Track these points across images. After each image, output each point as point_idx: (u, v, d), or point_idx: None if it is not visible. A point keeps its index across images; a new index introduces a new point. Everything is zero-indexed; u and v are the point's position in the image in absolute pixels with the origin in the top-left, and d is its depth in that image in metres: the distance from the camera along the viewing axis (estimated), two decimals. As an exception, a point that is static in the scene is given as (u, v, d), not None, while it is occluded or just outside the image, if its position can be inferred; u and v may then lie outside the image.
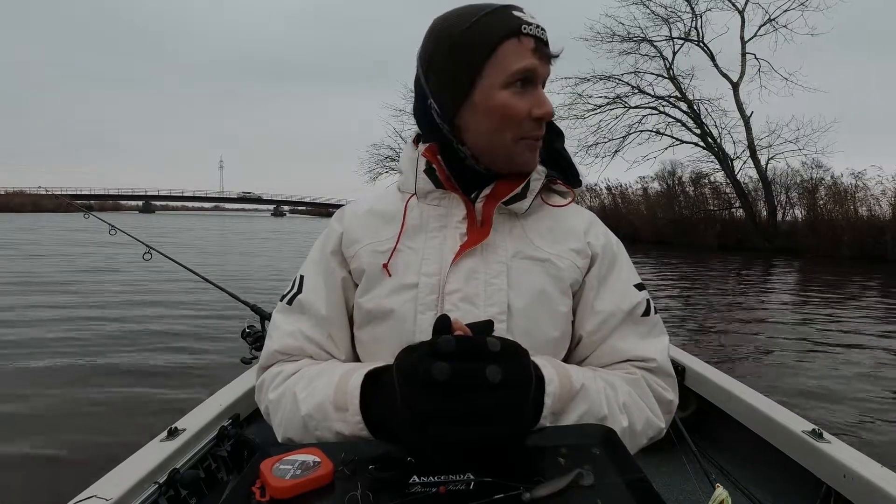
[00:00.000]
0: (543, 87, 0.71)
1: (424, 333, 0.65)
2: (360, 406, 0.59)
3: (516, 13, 0.68)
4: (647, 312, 0.74)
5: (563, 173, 0.80)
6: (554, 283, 0.71)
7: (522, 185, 0.73)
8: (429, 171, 0.74)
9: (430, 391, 0.48)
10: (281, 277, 9.21)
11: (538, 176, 0.75)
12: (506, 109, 0.68)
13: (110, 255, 11.47)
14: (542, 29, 0.69)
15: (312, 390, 0.64)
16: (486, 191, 0.73)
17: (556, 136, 0.81)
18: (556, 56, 0.71)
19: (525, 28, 0.67)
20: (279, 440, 0.68)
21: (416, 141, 0.79)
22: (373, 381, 0.61)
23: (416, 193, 0.76)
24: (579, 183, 0.81)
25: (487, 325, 0.55)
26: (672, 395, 0.72)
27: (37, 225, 27.10)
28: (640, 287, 0.76)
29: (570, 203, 0.79)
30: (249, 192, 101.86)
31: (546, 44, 0.69)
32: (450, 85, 0.70)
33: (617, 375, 0.69)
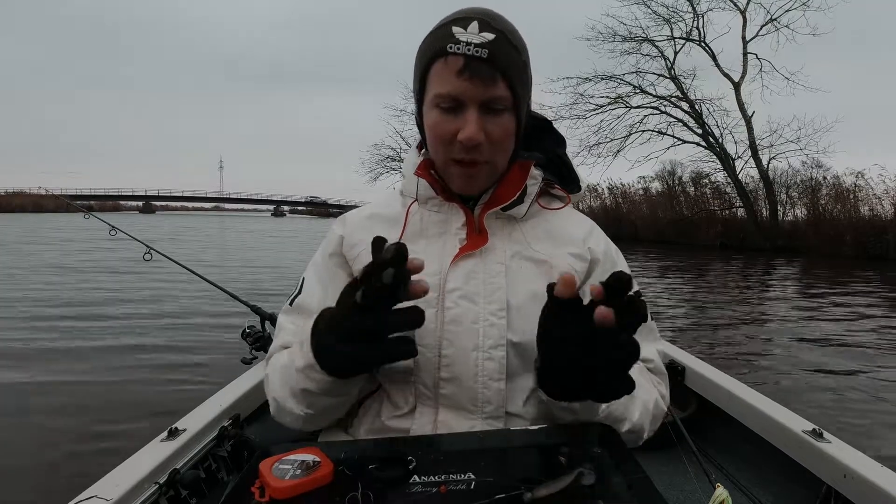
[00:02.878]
0: (485, 106, 0.66)
1: (425, 330, 0.67)
2: (311, 336, 0.60)
3: (454, 28, 0.64)
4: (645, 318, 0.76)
5: (563, 179, 0.82)
6: None
7: (520, 191, 0.74)
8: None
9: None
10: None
11: (534, 181, 0.76)
12: (432, 130, 0.69)
13: (112, 252, 11.48)
14: (479, 46, 0.63)
15: (291, 349, 0.68)
16: (485, 198, 0.75)
17: (557, 142, 0.83)
18: (498, 73, 0.64)
19: (451, 48, 0.63)
20: (271, 412, 0.72)
21: (420, 146, 0.81)
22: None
23: (417, 199, 0.78)
24: (579, 188, 0.83)
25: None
26: (665, 391, 0.77)
27: (50, 225, 27.09)
28: (637, 294, 0.78)
29: (565, 206, 0.81)
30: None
31: (484, 61, 0.63)
32: (414, 94, 0.74)
33: None
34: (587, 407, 0.61)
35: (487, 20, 0.65)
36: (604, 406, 0.63)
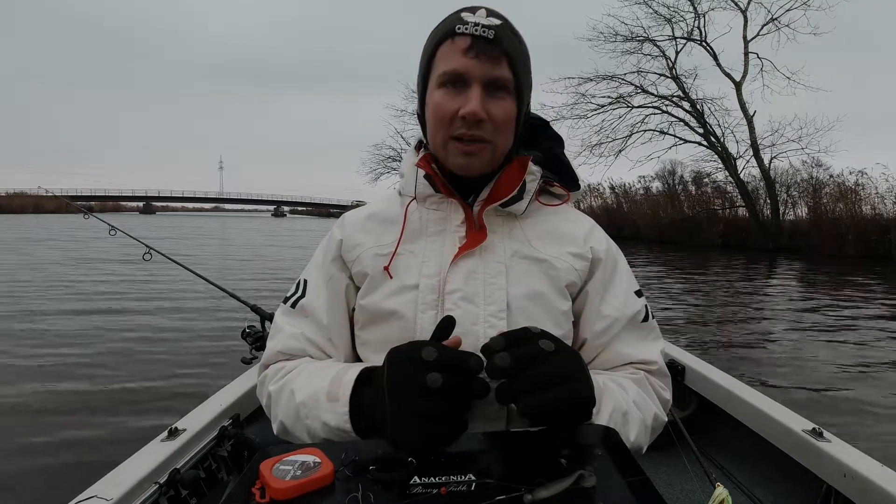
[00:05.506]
0: (489, 86, 0.68)
1: (425, 332, 0.67)
2: (350, 398, 0.62)
3: (463, 14, 0.68)
4: (646, 318, 0.77)
5: (562, 177, 0.82)
6: (551, 284, 0.73)
7: (518, 187, 0.74)
8: (428, 176, 0.76)
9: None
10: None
11: (533, 177, 0.76)
12: (435, 109, 0.70)
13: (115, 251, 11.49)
14: (486, 27, 0.66)
15: (310, 381, 0.68)
16: (484, 194, 0.75)
17: (556, 142, 0.83)
18: (502, 54, 0.67)
19: (459, 28, 0.67)
20: (274, 431, 0.72)
21: (419, 147, 0.81)
22: (367, 378, 0.64)
23: (415, 198, 0.78)
24: (578, 186, 0.83)
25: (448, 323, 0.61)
26: (668, 395, 0.76)
27: (63, 225, 27.14)
28: (639, 294, 0.79)
29: (564, 203, 0.81)
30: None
31: (490, 41, 0.66)
32: (417, 90, 0.76)
33: (623, 377, 0.72)
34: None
35: (494, 10, 0.69)
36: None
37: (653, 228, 22.68)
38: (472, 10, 0.68)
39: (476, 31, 0.66)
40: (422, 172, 0.76)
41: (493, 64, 0.67)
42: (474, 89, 0.67)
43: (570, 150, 0.86)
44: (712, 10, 19.50)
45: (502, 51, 0.67)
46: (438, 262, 0.72)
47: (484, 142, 0.69)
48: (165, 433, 1.14)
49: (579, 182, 0.84)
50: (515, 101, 0.71)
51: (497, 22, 0.67)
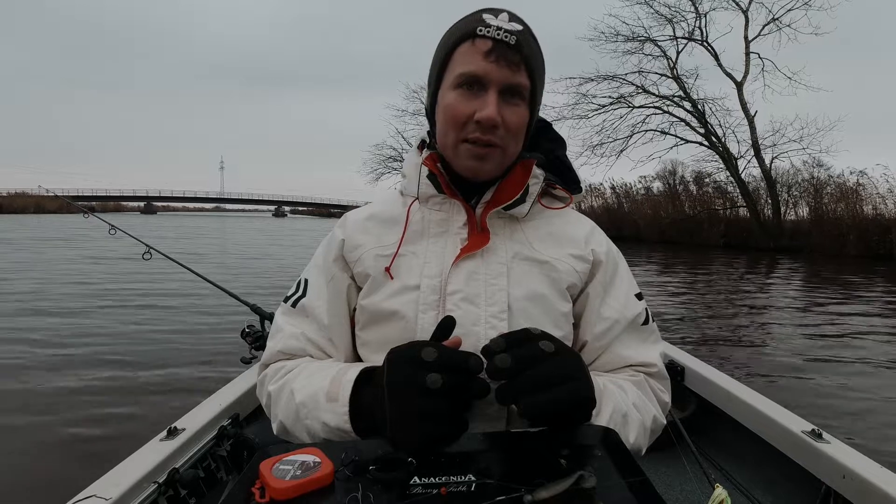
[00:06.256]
0: (505, 91, 0.67)
1: (426, 332, 0.67)
2: (349, 398, 0.62)
3: (485, 15, 0.67)
4: (646, 321, 0.77)
5: (564, 179, 0.82)
6: (552, 285, 0.73)
7: (522, 190, 0.74)
8: (431, 176, 0.75)
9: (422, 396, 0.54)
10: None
11: (536, 180, 0.76)
12: (448, 110, 0.69)
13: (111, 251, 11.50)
14: (509, 32, 0.66)
15: (309, 381, 0.68)
16: (487, 196, 0.75)
17: (558, 144, 0.83)
18: (522, 61, 0.66)
19: (480, 30, 0.66)
20: (274, 431, 0.72)
21: (421, 147, 0.81)
22: (367, 378, 0.64)
23: (418, 198, 0.77)
24: (580, 189, 0.83)
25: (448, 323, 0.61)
26: (667, 397, 0.76)
27: (70, 224, 27.17)
28: (639, 297, 0.79)
29: (567, 206, 0.81)
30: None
31: (511, 46, 0.66)
32: (429, 86, 0.76)
33: (622, 378, 0.72)
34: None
35: (516, 14, 0.68)
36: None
37: (654, 228, 22.69)
38: (495, 12, 0.67)
39: (498, 35, 0.65)
40: (425, 171, 0.75)
41: (512, 70, 0.66)
42: (491, 94, 0.66)
43: (571, 151, 0.85)
44: (713, 10, 19.56)
45: (522, 57, 0.67)
46: (440, 263, 0.72)
47: (495, 147, 0.69)
48: (164, 432, 1.14)
49: (580, 184, 0.83)
50: (529, 108, 0.70)
51: (519, 27, 0.67)
